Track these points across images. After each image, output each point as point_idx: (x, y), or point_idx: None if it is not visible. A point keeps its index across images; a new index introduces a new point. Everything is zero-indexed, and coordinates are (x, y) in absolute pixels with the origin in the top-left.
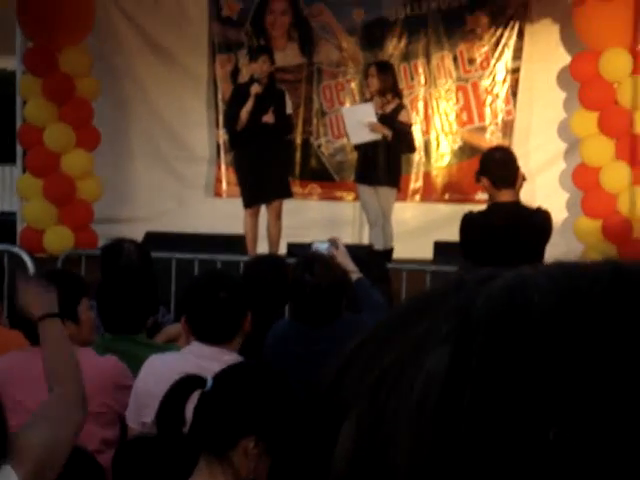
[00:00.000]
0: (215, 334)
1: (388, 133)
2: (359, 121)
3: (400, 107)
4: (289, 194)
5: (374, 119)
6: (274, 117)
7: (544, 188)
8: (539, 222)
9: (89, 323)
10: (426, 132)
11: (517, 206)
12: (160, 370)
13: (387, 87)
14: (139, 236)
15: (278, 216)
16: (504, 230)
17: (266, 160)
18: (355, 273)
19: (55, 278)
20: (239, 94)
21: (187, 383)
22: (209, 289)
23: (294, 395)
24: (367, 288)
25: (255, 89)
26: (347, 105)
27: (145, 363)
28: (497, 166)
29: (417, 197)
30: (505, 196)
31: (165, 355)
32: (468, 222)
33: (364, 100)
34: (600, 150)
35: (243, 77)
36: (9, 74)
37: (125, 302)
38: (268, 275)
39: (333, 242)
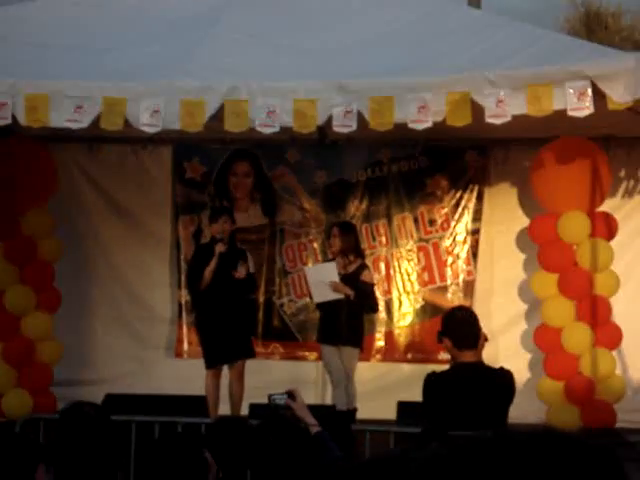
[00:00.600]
0: None
1: (350, 293)
2: (322, 280)
3: (362, 267)
4: (252, 354)
5: (336, 279)
6: (225, 273)
7: (506, 348)
8: (502, 382)
9: None
10: (388, 292)
11: (479, 366)
12: None
13: (349, 247)
14: (99, 398)
15: (241, 376)
16: (467, 391)
17: (228, 320)
18: (314, 427)
19: (12, 443)
20: (202, 254)
21: None
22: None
23: None
24: (326, 442)
25: (219, 248)
26: (310, 265)
27: None
28: (458, 326)
29: (380, 357)
30: (467, 356)
31: None
32: (430, 382)
33: (327, 260)
34: (561, 311)
35: (205, 237)
36: None
37: (83, 467)
38: (230, 438)
39: (290, 394)
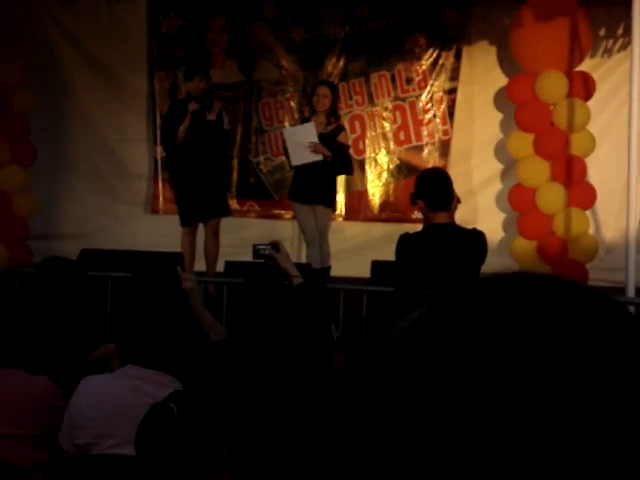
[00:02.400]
0: (150, 358)
1: (329, 154)
2: (300, 142)
3: (339, 128)
4: (227, 212)
5: (315, 139)
6: (213, 132)
7: (481, 209)
8: (474, 243)
9: None
10: (363, 151)
11: (452, 227)
12: (94, 392)
13: (332, 107)
14: (75, 253)
15: (215, 234)
16: (439, 251)
17: (203, 178)
18: (297, 278)
19: None
20: (176, 111)
21: (156, 413)
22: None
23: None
24: (308, 293)
25: (192, 106)
26: (287, 124)
27: (80, 384)
28: (432, 188)
29: (354, 216)
30: (440, 218)
31: (99, 377)
32: (404, 243)
33: (303, 120)
34: (536, 171)
35: (181, 94)
36: None
37: (56, 320)
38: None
39: (275, 245)
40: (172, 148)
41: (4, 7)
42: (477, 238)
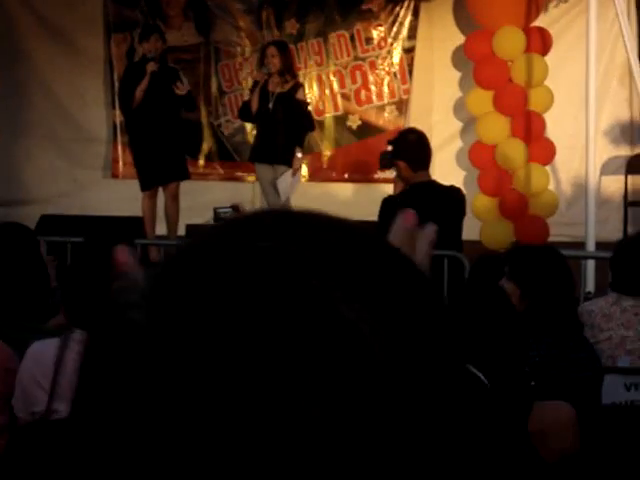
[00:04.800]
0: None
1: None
2: (286, 185)
3: (297, 86)
4: (186, 176)
5: (290, 179)
6: (170, 95)
7: (441, 166)
8: (455, 199)
9: None
10: (324, 111)
11: (434, 185)
12: (41, 357)
13: (285, 67)
14: (35, 219)
15: (175, 198)
16: (424, 210)
17: (161, 141)
18: None
19: None
20: (133, 73)
21: None
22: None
23: None
24: None
25: (151, 67)
26: (245, 85)
27: (27, 350)
28: (413, 148)
29: (317, 177)
30: (421, 176)
31: (46, 342)
32: (388, 205)
33: (266, 75)
34: (496, 128)
35: (138, 56)
36: None
37: (11, 287)
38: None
39: (235, 207)
40: (129, 110)
41: None
42: (457, 194)
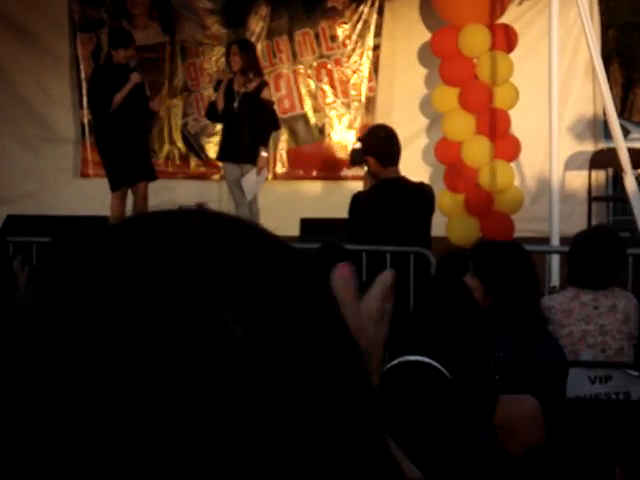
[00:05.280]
0: None
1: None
2: (251, 183)
3: (262, 85)
4: (154, 176)
5: (255, 176)
6: (140, 98)
7: (407, 163)
8: (424, 196)
9: None
10: (291, 109)
11: (403, 181)
12: None
13: (249, 66)
14: (1, 219)
15: (144, 197)
16: (394, 206)
17: (130, 143)
18: None
19: None
20: (107, 76)
21: None
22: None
23: None
24: None
25: (136, 78)
26: (210, 84)
27: None
28: (382, 145)
29: (283, 175)
30: (391, 172)
31: None
32: (357, 202)
33: (230, 74)
34: (461, 125)
35: (104, 57)
36: None
37: None
38: None
39: (200, 206)
40: (103, 113)
41: None
42: (426, 192)
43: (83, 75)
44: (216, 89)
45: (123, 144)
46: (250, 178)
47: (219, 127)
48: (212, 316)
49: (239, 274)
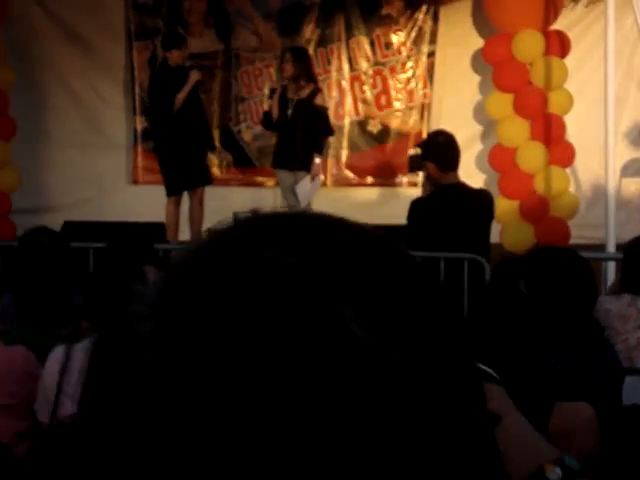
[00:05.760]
0: None
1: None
2: (306, 190)
3: (316, 91)
4: (210, 180)
5: (309, 184)
6: (197, 102)
7: (461, 170)
8: (483, 202)
9: None
10: (345, 116)
11: (462, 187)
12: (63, 361)
13: (301, 73)
14: (58, 226)
15: (201, 202)
16: (453, 212)
17: (189, 146)
18: None
19: None
20: (166, 79)
21: None
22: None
23: None
24: None
25: (195, 76)
26: (266, 91)
27: (50, 354)
28: (442, 150)
29: (338, 181)
30: (450, 178)
31: (67, 346)
32: (417, 207)
33: (282, 85)
34: (516, 131)
35: (160, 63)
36: None
37: (38, 292)
38: None
39: (255, 212)
40: (165, 116)
41: None
42: (485, 198)
43: (137, 82)
44: (271, 97)
45: (183, 148)
46: (304, 185)
47: (273, 133)
48: (333, 315)
49: (360, 275)
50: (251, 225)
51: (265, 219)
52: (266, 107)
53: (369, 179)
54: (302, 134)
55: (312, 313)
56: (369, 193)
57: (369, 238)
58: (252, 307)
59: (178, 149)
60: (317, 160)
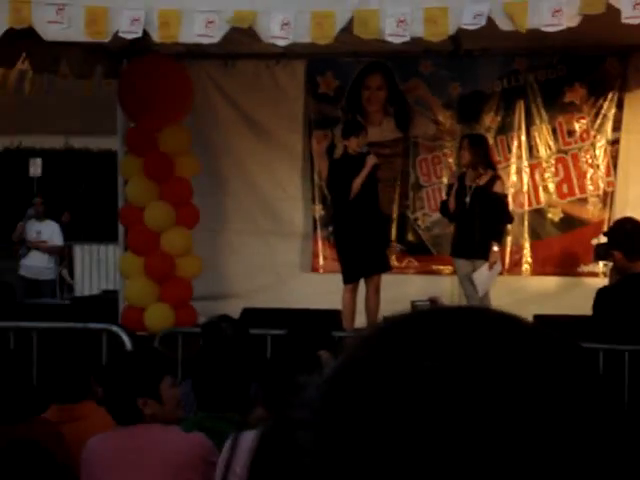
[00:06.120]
0: None
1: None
2: (484, 281)
3: (495, 178)
4: (388, 268)
5: (487, 272)
6: (374, 188)
7: None
8: None
9: (173, 401)
10: (527, 204)
11: None
12: (244, 448)
13: (478, 160)
14: (236, 312)
15: (377, 290)
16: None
17: (367, 233)
18: None
19: (137, 357)
20: (344, 166)
21: None
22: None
23: None
24: None
25: (372, 160)
26: (444, 180)
27: (238, 440)
28: (630, 238)
29: (517, 270)
30: (638, 267)
31: (251, 432)
32: (603, 296)
33: (461, 173)
34: None
35: (339, 152)
36: (112, 154)
37: (219, 379)
38: None
39: (433, 301)
40: (343, 202)
41: (166, 71)
42: None
43: (316, 171)
44: (448, 193)
45: (361, 234)
46: (482, 273)
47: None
48: (497, 438)
49: (532, 401)
50: (422, 322)
51: (439, 316)
52: (444, 196)
53: (548, 268)
54: (480, 222)
55: (473, 434)
56: (548, 282)
57: (545, 345)
58: (412, 422)
59: (356, 236)
60: (495, 248)
